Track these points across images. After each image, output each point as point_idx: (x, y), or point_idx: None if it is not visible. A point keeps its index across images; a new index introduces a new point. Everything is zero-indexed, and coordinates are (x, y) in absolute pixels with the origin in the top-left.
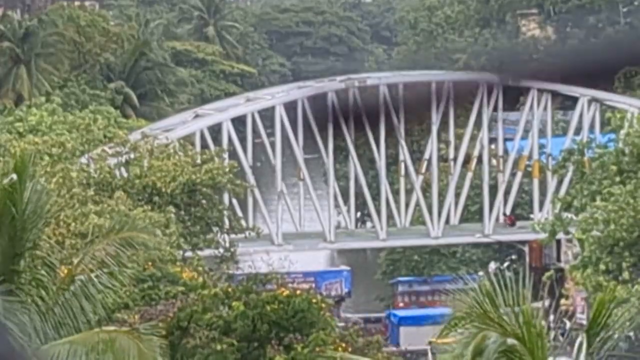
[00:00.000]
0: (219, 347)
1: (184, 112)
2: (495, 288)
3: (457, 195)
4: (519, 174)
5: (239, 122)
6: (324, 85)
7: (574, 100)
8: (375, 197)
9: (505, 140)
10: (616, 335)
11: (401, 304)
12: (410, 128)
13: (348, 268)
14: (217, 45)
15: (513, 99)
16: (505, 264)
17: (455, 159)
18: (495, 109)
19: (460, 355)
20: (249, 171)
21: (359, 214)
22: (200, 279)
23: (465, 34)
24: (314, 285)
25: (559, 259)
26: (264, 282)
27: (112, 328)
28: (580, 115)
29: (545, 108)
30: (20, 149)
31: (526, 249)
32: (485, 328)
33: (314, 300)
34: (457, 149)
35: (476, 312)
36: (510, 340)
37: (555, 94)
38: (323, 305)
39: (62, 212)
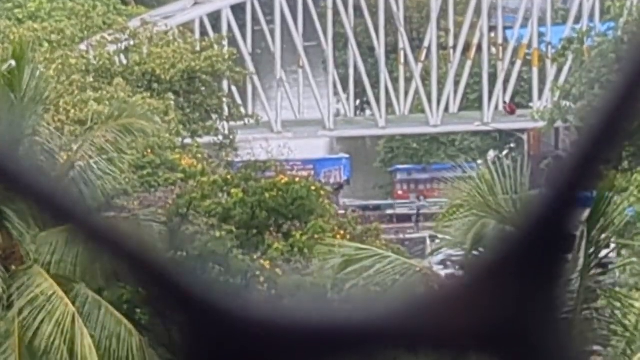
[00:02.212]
0: (218, 234)
1: None
2: (494, 176)
3: (457, 83)
4: (519, 63)
5: (238, 9)
6: None
7: None
8: (375, 84)
9: (505, 28)
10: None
11: (400, 192)
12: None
13: (347, 155)
14: None
15: None
16: (504, 152)
17: (454, 47)
18: None
19: (460, 243)
20: (248, 58)
21: (358, 101)
22: (200, 166)
23: None
24: (312, 172)
25: (557, 147)
26: (263, 170)
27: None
28: (580, 4)
29: None
30: (19, 36)
31: (525, 137)
32: (484, 216)
33: (312, 188)
34: (456, 36)
35: (475, 199)
36: (509, 228)
37: None
38: (322, 192)
39: (61, 99)
